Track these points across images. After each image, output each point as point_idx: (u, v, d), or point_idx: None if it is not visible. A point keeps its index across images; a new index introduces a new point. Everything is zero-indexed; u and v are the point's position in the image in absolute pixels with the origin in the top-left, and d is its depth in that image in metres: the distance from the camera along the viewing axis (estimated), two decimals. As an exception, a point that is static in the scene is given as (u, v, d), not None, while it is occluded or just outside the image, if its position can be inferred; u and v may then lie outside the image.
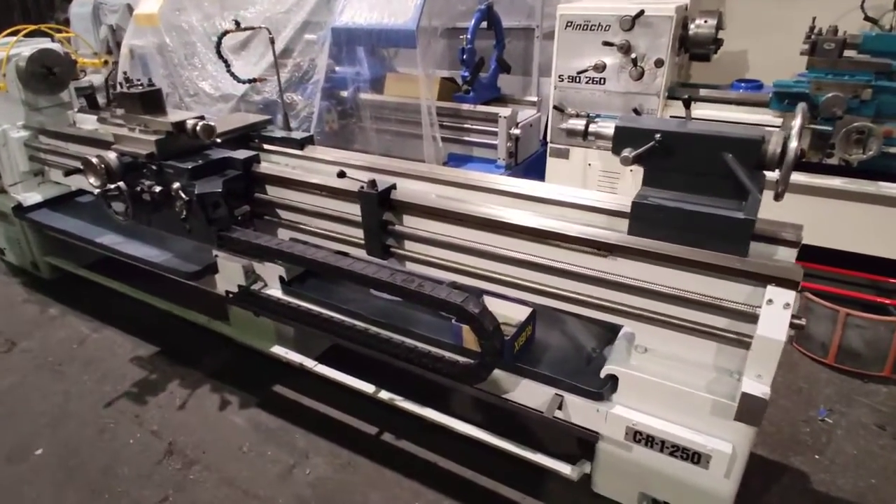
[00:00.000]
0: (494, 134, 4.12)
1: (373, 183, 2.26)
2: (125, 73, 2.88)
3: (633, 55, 3.54)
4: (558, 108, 3.97)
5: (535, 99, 4.65)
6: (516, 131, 4.06)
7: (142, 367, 3.23)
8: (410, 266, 2.41)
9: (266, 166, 2.73)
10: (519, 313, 2.37)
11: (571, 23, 3.71)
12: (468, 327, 2.20)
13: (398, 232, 2.34)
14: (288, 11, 4.33)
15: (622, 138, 1.87)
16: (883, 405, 2.79)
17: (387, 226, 2.34)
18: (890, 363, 2.89)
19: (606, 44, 3.57)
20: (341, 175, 2.26)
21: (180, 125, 2.56)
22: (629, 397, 2.02)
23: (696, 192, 1.83)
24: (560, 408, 2.12)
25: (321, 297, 2.68)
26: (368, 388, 2.66)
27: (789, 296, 1.65)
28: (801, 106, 1.64)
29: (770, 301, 1.66)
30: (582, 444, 2.34)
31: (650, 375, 1.95)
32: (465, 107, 4.25)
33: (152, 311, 3.52)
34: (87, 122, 3.76)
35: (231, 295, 2.81)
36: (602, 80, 3.76)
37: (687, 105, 1.92)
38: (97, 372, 3.22)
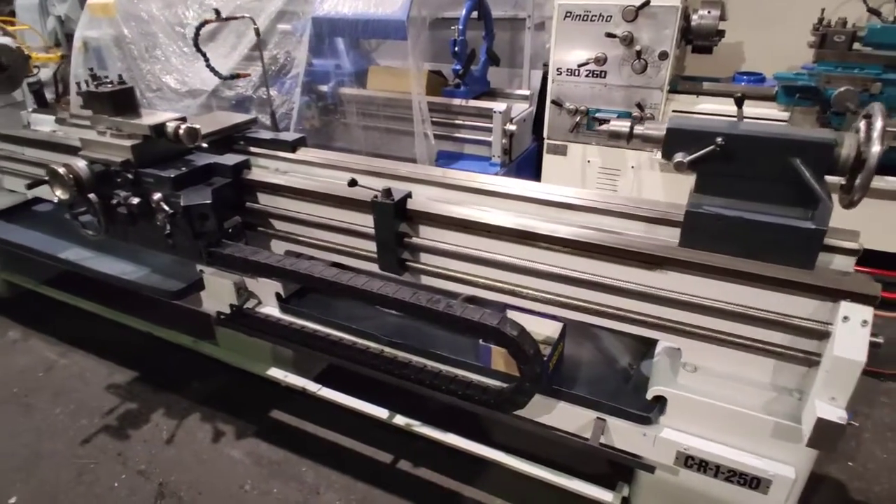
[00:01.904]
0: (488, 130, 3.92)
1: (388, 192, 2.05)
2: (91, 69, 2.55)
3: (637, 47, 3.39)
4: (556, 103, 3.81)
5: (526, 92, 4.46)
6: (511, 127, 3.87)
7: (120, 396, 2.91)
8: (426, 280, 2.20)
9: (257, 172, 2.47)
10: (547, 328, 2.20)
11: (570, 13, 3.54)
12: (499, 348, 2.02)
13: (415, 245, 2.13)
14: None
15: (674, 141, 1.71)
16: (905, 405, 2.76)
17: (402, 238, 2.13)
18: (906, 361, 2.85)
19: (609, 35, 3.42)
20: (353, 184, 2.03)
21: (159, 128, 2.29)
22: (679, 420, 1.88)
23: (756, 199, 1.68)
24: (602, 432, 1.97)
25: (324, 314, 2.45)
26: (382, 412, 2.45)
27: (867, 312, 1.54)
28: (878, 105, 1.51)
29: (846, 318, 1.54)
30: (614, 463, 2.19)
31: (703, 396, 1.81)
32: (457, 102, 4.03)
33: (126, 332, 3.20)
34: (44, 124, 3.38)
35: (223, 316, 2.54)
36: (603, 74, 3.60)
37: (739, 104, 1.78)
38: (70, 404, 2.89)
